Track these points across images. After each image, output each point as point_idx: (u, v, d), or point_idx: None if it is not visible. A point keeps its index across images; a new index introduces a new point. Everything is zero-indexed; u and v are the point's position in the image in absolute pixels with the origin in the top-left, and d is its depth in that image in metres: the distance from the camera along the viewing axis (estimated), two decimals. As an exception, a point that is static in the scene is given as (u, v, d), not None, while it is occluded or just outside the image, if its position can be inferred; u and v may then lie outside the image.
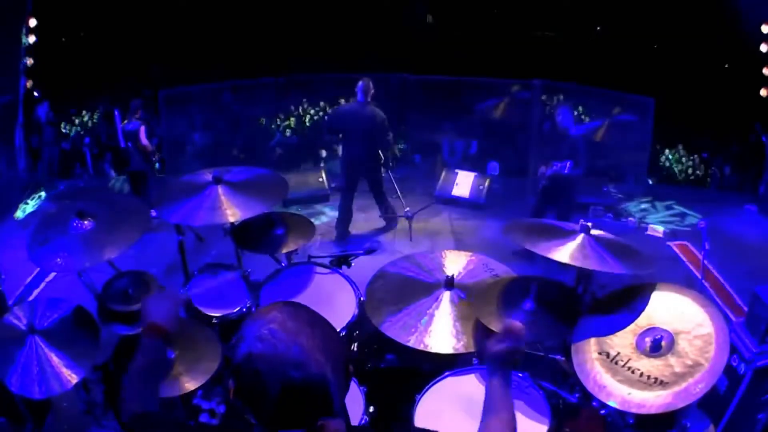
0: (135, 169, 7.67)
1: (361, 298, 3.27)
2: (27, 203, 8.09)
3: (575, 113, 7.64)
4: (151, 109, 9.34)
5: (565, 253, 2.75)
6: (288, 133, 10.75)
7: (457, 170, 8.75)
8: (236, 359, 1.23)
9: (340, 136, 7.07)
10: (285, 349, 1.20)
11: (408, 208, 7.07)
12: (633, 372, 2.41)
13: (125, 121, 7.82)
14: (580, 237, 2.84)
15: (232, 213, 3.30)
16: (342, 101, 8.79)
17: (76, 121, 11.06)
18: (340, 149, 7.29)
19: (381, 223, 7.36)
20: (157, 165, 8.36)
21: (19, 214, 7.83)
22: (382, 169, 6.94)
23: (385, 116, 6.63)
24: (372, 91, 6.64)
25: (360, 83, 6.63)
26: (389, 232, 7.25)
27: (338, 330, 3.14)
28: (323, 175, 8.75)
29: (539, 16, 14.07)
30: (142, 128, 7.68)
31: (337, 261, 3.66)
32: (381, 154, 6.71)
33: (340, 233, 7.03)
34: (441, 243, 7.06)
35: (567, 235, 2.86)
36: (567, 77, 9.27)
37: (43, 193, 8.32)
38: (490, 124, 10.54)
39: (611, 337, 2.57)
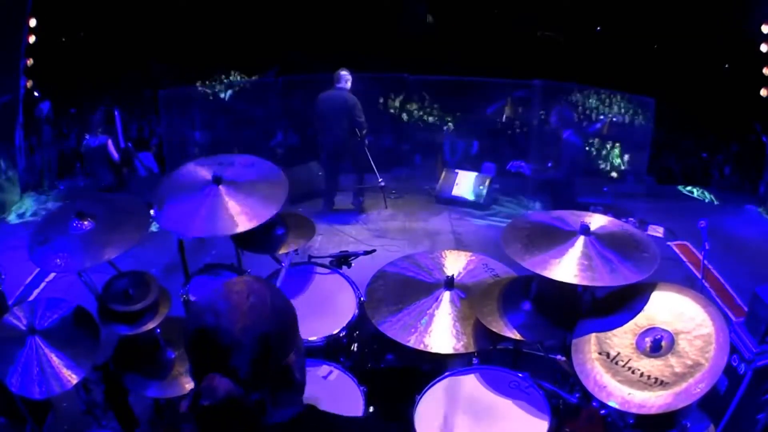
0: (104, 186, 7.50)
1: (361, 298, 3.26)
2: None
3: (575, 116, 7.72)
4: (115, 117, 9.23)
5: (568, 268, 2.63)
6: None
7: (457, 170, 8.75)
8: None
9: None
10: (214, 298, 1.34)
11: (381, 179, 7.53)
12: (633, 372, 2.41)
13: (88, 137, 7.57)
14: (581, 241, 2.72)
15: (231, 225, 3.05)
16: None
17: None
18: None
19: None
20: (125, 174, 8.11)
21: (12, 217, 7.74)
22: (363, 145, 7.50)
23: (357, 100, 7.41)
24: (347, 78, 7.43)
25: (338, 72, 7.44)
26: (366, 204, 7.99)
27: (338, 330, 3.17)
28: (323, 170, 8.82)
29: (539, 17, 14.08)
30: (110, 141, 7.57)
31: (337, 261, 3.66)
32: (358, 132, 7.37)
33: (327, 203, 7.87)
34: (441, 243, 7.06)
35: (567, 238, 2.77)
36: (567, 77, 9.28)
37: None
38: (495, 124, 10.55)
39: (611, 337, 2.56)
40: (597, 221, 2.90)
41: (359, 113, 7.35)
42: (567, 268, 2.64)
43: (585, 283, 2.60)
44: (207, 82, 11.42)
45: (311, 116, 7.71)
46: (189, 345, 1.33)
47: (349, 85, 7.44)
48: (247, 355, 1.29)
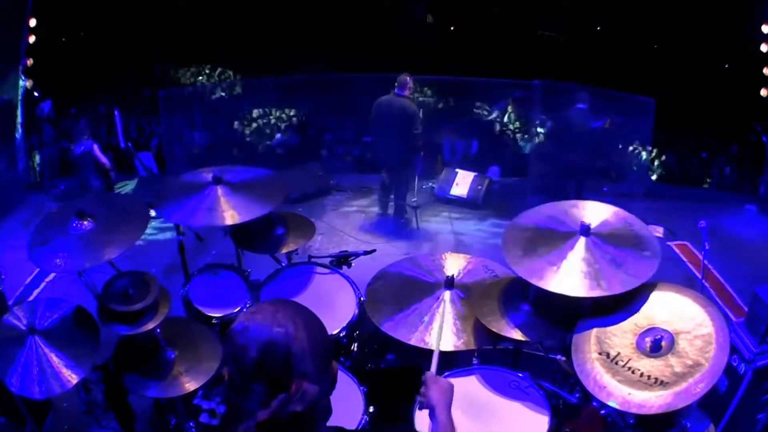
0: (91, 190, 7.59)
1: (361, 298, 3.26)
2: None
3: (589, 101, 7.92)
4: (101, 126, 9.30)
5: (572, 278, 2.59)
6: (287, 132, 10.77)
7: (457, 170, 8.76)
8: (231, 330, 1.40)
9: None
10: (271, 315, 1.38)
11: (415, 199, 7.45)
12: (633, 372, 2.41)
13: (73, 146, 7.70)
14: (582, 243, 2.69)
15: (231, 215, 3.28)
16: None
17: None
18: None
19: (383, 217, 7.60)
20: (112, 178, 8.17)
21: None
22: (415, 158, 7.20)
23: (417, 109, 6.88)
24: (410, 85, 6.87)
25: (399, 77, 6.89)
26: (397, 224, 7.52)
27: (338, 330, 3.17)
28: (323, 170, 8.87)
29: (539, 16, 14.07)
30: (96, 146, 7.64)
31: (337, 261, 3.66)
32: (413, 144, 6.92)
33: (382, 206, 7.58)
34: (441, 243, 7.06)
35: (566, 240, 2.73)
36: (567, 77, 9.26)
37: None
38: (494, 124, 10.56)
39: (611, 337, 2.56)
40: (595, 213, 2.86)
41: (417, 125, 6.81)
42: (571, 278, 2.59)
43: (594, 294, 2.54)
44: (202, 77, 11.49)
45: (369, 122, 7.23)
46: (257, 360, 1.34)
47: (408, 91, 6.87)
48: (313, 360, 1.37)
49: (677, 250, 6.67)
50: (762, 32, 8.10)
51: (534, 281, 2.64)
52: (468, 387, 2.73)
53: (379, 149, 7.16)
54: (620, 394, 2.36)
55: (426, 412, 2.04)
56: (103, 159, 7.69)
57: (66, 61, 11.70)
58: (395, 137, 6.81)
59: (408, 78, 6.83)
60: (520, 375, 2.74)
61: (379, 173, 7.46)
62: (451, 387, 2.06)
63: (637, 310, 2.60)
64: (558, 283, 2.60)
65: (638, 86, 9.30)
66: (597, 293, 2.56)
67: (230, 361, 1.38)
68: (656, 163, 10.53)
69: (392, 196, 7.45)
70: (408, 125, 6.73)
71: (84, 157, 7.64)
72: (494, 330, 2.75)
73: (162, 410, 3.20)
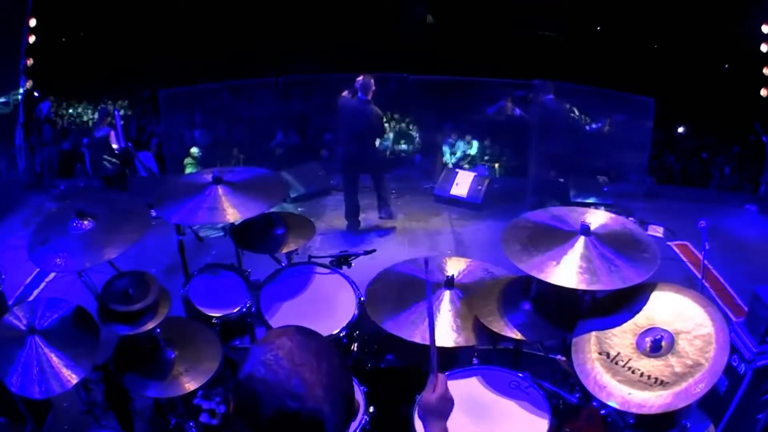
0: (109, 174, 8.33)
1: (361, 298, 3.26)
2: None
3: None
4: (115, 117, 9.74)
5: (568, 270, 2.62)
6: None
7: (457, 169, 8.76)
8: (239, 376, 1.27)
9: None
10: (285, 378, 1.23)
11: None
12: (633, 372, 2.41)
13: (94, 129, 8.52)
14: (581, 242, 2.71)
15: (232, 213, 3.30)
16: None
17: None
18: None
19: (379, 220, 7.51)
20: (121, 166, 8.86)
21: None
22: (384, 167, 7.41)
23: (381, 114, 6.97)
24: (373, 88, 6.71)
25: (361, 80, 6.68)
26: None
27: (338, 330, 3.17)
28: (323, 170, 8.87)
29: (539, 16, 14.08)
30: (112, 132, 8.45)
31: (337, 261, 3.66)
32: (378, 148, 7.27)
33: (352, 225, 7.28)
34: (441, 243, 7.06)
35: (567, 239, 2.75)
36: (567, 77, 9.27)
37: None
38: (495, 125, 10.57)
39: (611, 337, 2.56)
40: (597, 219, 2.88)
41: (382, 129, 7.25)
42: (566, 270, 2.62)
43: (584, 286, 2.59)
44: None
45: (335, 125, 7.50)
46: (268, 429, 1.24)
47: (371, 95, 6.68)
48: (339, 425, 1.27)
49: (677, 250, 6.67)
50: (762, 32, 8.10)
51: (535, 274, 2.66)
52: (468, 387, 2.73)
53: (355, 157, 6.88)
54: (620, 394, 2.36)
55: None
56: (116, 144, 8.43)
57: (66, 61, 11.70)
58: (370, 143, 6.96)
59: (371, 81, 6.64)
60: (520, 375, 2.74)
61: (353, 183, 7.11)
62: (452, 401, 1.96)
63: (635, 313, 2.60)
64: (557, 276, 2.62)
65: (638, 86, 9.30)
66: (598, 287, 2.59)
67: (241, 410, 1.27)
68: (656, 163, 10.55)
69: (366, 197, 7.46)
70: (379, 130, 7.05)
71: (101, 141, 8.39)
72: (495, 330, 2.75)
73: (162, 410, 3.20)
